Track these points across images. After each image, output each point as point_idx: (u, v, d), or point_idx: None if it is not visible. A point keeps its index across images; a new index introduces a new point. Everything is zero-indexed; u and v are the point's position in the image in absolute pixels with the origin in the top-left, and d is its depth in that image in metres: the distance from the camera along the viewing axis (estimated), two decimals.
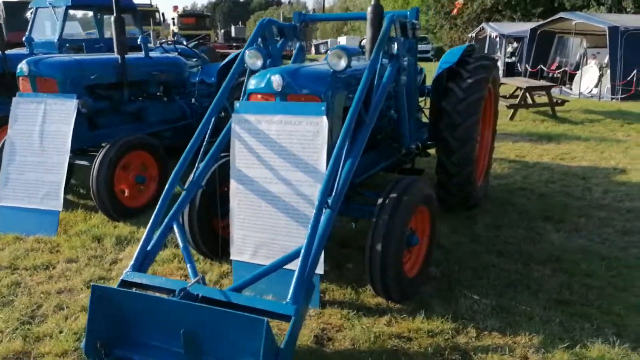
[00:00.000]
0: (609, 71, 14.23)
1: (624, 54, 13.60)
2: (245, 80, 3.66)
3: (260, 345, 2.28)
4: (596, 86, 15.21)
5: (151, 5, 31.19)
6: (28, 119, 4.77)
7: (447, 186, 4.79)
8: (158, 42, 7.74)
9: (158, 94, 5.98)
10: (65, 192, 5.55)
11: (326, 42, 67.25)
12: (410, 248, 3.46)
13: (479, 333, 3.00)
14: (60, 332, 3.03)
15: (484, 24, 24.22)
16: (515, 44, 21.99)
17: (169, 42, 7.04)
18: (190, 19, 33.57)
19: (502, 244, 4.29)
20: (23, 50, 7.64)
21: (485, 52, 23.96)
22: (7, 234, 4.53)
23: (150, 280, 2.91)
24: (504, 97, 12.19)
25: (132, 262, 2.98)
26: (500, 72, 20.86)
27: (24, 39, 7.42)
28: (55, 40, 7.73)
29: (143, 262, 3.02)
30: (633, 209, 5.16)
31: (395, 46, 3.66)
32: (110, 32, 8.84)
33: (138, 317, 2.69)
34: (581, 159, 7.41)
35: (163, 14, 30.94)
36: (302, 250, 2.68)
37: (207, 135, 3.47)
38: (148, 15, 30.02)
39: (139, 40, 5.91)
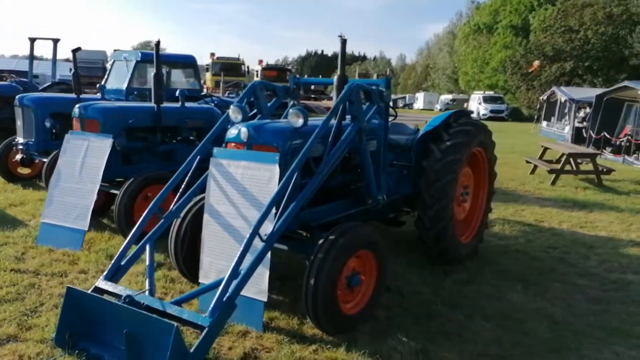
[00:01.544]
0: None
1: None
2: (221, 129, 4.36)
3: (168, 345, 2.80)
4: None
5: (238, 59, 34.02)
6: (74, 153, 5.77)
7: (424, 239, 5.11)
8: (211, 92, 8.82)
9: (191, 138, 6.87)
10: (102, 216, 6.53)
11: (404, 97, 68.53)
12: (352, 288, 3.85)
13: None
14: (47, 325, 3.72)
15: (554, 88, 23.89)
16: (588, 110, 21.44)
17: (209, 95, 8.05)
18: (272, 71, 35.87)
19: (461, 298, 4.51)
20: (97, 96, 9.03)
21: (555, 116, 23.52)
22: (43, 245, 5.44)
23: (115, 289, 3.54)
24: (550, 161, 12.08)
25: (105, 273, 3.66)
26: (569, 137, 20.44)
27: (97, 86, 8.80)
28: (124, 88, 9.05)
29: (115, 274, 3.69)
30: (618, 280, 5.13)
31: (356, 109, 4.17)
32: (177, 84, 10.15)
33: (97, 317, 3.33)
34: (602, 229, 7.29)
35: (248, 67, 33.39)
36: (227, 274, 3.20)
37: (189, 171, 4.15)
38: (235, 67, 32.77)
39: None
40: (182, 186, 4.18)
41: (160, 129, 6.34)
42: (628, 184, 11.26)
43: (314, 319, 3.61)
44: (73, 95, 8.36)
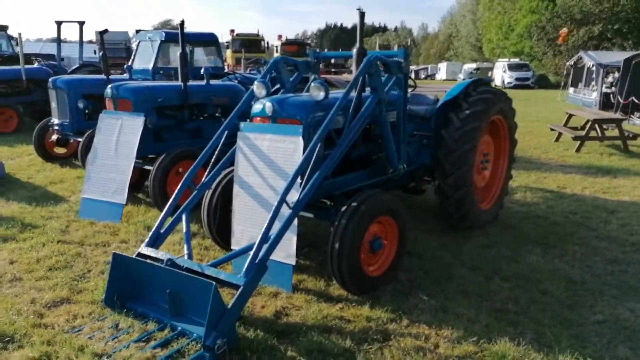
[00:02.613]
0: None
1: None
2: (247, 104, 4.58)
3: (208, 302, 3.09)
4: None
5: (257, 35, 34.00)
6: (108, 131, 6.09)
7: (444, 206, 5.29)
8: (234, 69, 9.03)
9: (216, 114, 7.12)
10: (138, 191, 6.88)
11: (426, 68, 67.38)
12: (375, 251, 4.08)
13: (409, 324, 3.55)
14: (95, 289, 4.07)
15: (582, 53, 23.26)
16: (617, 74, 20.88)
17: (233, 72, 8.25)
18: (292, 46, 35.76)
19: (480, 260, 4.70)
20: (125, 76, 9.33)
21: (583, 82, 22.98)
22: (85, 219, 5.82)
23: (157, 254, 3.85)
24: (575, 128, 11.98)
25: (146, 240, 3.97)
26: (596, 104, 20.01)
27: (125, 66, 9.08)
28: (150, 69, 9.32)
29: (155, 241, 4.00)
30: (638, 242, 5.23)
31: (375, 81, 4.32)
32: (199, 62, 10.37)
33: (142, 279, 3.65)
34: (625, 194, 7.33)
35: (268, 42, 33.39)
36: (259, 238, 3.46)
37: (218, 146, 4.40)
38: (255, 43, 32.80)
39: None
40: (212, 160, 4.42)
41: (188, 106, 6.60)
42: None
43: (339, 280, 3.87)
44: (103, 77, 8.68)
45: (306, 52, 36.27)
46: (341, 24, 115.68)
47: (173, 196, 4.19)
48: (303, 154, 3.87)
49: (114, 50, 25.39)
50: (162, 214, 4.09)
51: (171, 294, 3.42)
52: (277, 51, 35.84)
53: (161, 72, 9.57)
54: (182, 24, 6.30)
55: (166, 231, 4.09)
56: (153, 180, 5.82)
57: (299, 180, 3.82)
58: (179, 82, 6.56)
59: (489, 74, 45.39)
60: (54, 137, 8.84)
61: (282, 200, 3.60)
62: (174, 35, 9.49)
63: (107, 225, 5.63)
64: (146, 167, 6.41)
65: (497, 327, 3.50)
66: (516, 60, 41.93)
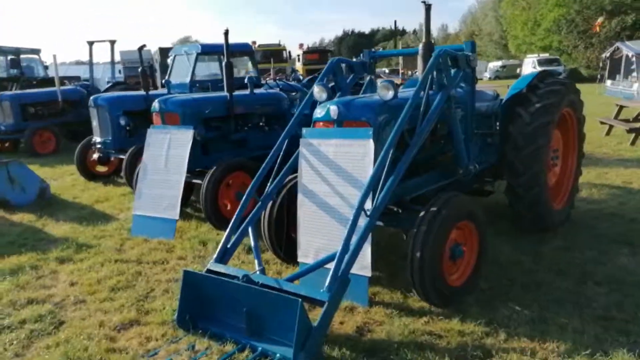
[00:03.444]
0: None
1: None
2: (307, 108, 4.36)
3: (295, 320, 2.85)
4: None
5: (279, 45, 34.10)
6: (157, 146, 5.96)
7: (516, 207, 4.95)
8: (264, 80, 8.87)
9: (261, 124, 6.95)
10: (185, 206, 6.73)
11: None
12: (455, 259, 3.79)
13: (508, 337, 3.24)
14: (163, 308, 3.89)
15: (619, 44, 22.48)
16: None
17: (275, 80, 8.07)
18: (314, 54, 35.69)
19: (565, 264, 4.35)
20: (163, 91, 9.28)
21: (621, 74, 22.19)
22: (138, 236, 5.68)
23: (227, 270, 3.64)
24: (627, 120, 11.42)
25: (215, 256, 3.77)
26: (637, 95, 19.23)
27: (163, 81, 9.02)
28: (188, 82, 9.23)
29: (223, 256, 3.80)
30: None
31: (445, 77, 4.05)
32: (236, 72, 10.26)
33: (215, 297, 3.44)
34: None
35: (289, 52, 33.44)
36: (339, 250, 3.22)
37: (279, 156, 4.19)
38: (277, 53, 32.87)
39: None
40: (275, 169, 4.21)
41: (234, 116, 6.43)
42: None
43: (421, 292, 3.58)
44: (142, 93, 8.63)
45: (327, 59, 36.49)
46: (358, 30, 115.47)
47: (239, 209, 3.99)
48: (374, 158, 3.62)
49: (135, 69, 25.64)
50: (229, 228, 3.89)
51: (249, 312, 3.20)
52: (299, 60, 35.89)
53: (197, 85, 9.46)
54: (226, 33, 6.15)
55: (233, 245, 3.88)
56: (205, 194, 5.64)
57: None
58: (224, 93, 6.40)
59: (518, 70, 44.56)
60: (95, 155, 8.82)
61: (361, 207, 3.34)
62: (209, 47, 9.42)
63: (162, 242, 5.48)
64: (195, 180, 6.26)
65: (608, 337, 3.16)
66: (546, 55, 40.88)
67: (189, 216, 6.38)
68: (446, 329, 3.36)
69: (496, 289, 3.93)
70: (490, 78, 49.79)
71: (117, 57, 19.83)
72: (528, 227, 5.06)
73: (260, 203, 4.12)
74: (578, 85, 5.64)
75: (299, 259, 4.06)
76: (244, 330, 3.23)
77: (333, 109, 3.93)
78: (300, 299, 2.89)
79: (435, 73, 4.01)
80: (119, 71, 20.56)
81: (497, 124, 5.15)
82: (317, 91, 4.27)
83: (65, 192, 8.25)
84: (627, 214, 5.73)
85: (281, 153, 4.23)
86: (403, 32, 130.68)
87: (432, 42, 4.15)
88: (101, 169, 9.16)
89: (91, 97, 8.46)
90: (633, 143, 10.23)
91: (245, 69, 10.31)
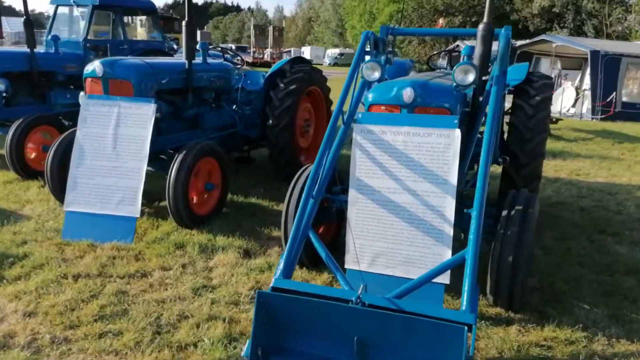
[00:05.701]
0: (587, 92, 15.10)
1: (603, 77, 14.47)
2: (360, 91, 3.74)
3: (461, 354, 2.34)
4: (573, 106, 16.11)
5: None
6: (99, 122, 4.62)
7: None
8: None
9: (210, 100, 5.91)
10: None
11: (289, 51, 67.51)
12: None
13: (609, 340, 3.16)
14: (198, 341, 2.97)
15: (459, 42, 25.06)
16: None
17: (215, 48, 6.93)
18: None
19: (577, 256, 4.51)
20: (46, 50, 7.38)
21: None
22: (79, 240, 4.35)
23: (301, 287, 2.90)
24: None
25: (280, 270, 2.99)
26: None
27: (49, 37, 7.16)
28: (81, 40, 7.47)
29: (290, 269, 3.03)
30: None
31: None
32: (133, 35, 8.64)
33: (304, 324, 2.69)
34: (595, 176, 7.82)
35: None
36: (469, 259, 2.76)
37: (332, 148, 3.51)
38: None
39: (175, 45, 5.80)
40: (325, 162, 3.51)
41: (192, 89, 5.30)
42: (567, 131, 12.26)
43: (507, 298, 3.33)
44: (25, 49, 6.73)
45: (174, 29, 33.64)
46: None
47: (299, 211, 3.20)
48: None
49: None
50: (292, 237, 3.10)
51: (362, 341, 2.56)
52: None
53: (88, 45, 7.72)
54: None
55: (295, 255, 3.11)
56: (174, 186, 4.53)
57: (453, 183, 3.19)
58: (181, 60, 5.23)
59: None
60: None
61: (479, 211, 2.91)
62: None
63: (119, 247, 4.28)
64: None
65: None
66: None
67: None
68: (549, 338, 3.15)
69: (546, 287, 3.87)
70: (329, 64, 51.86)
71: None
72: None
73: (312, 201, 3.38)
74: None
75: (347, 265, 3.47)
76: None
77: (407, 93, 3.38)
78: (465, 327, 2.38)
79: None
80: None
81: None
82: (368, 69, 3.66)
83: None
84: (572, 202, 6.24)
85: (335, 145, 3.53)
86: (238, 9, 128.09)
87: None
88: None
89: None
90: None
91: (147, 31, 8.77)
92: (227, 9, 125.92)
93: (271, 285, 2.91)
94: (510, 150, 4.82)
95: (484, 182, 3.02)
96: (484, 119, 3.73)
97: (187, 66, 5.15)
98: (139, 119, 4.56)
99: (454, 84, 3.51)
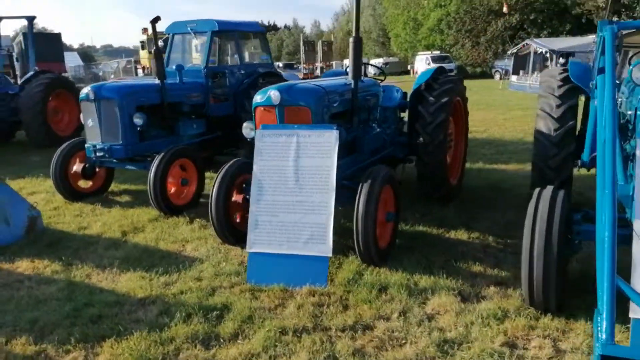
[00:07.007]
0: None
1: None
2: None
3: None
4: None
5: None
6: (277, 153, 4.24)
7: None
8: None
9: (365, 121, 5.49)
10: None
11: (331, 65, 67.22)
12: None
13: None
14: None
15: (528, 41, 24.07)
16: (561, 60, 21.86)
17: None
18: None
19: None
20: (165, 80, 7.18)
21: (530, 68, 23.83)
22: (268, 285, 3.95)
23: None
24: None
25: (605, 334, 2.40)
26: None
27: (174, 67, 6.95)
28: (202, 68, 7.23)
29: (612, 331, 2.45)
30: None
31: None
32: (248, 58, 8.38)
33: None
34: None
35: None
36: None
37: None
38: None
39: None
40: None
41: (356, 109, 4.86)
42: None
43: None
44: (155, 82, 6.54)
45: None
46: None
47: (607, 255, 2.62)
48: None
49: None
50: (608, 288, 2.52)
51: None
52: (143, 47, 34.06)
53: (206, 71, 7.48)
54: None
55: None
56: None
57: None
58: (341, 80, 4.81)
59: (409, 67, 46.56)
60: (77, 166, 6.53)
61: None
62: (226, 25, 7.52)
63: (312, 291, 3.84)
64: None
65: None
66: (437, 52, 43.06)
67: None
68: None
69: None
70: (375, 74, 51.34)
71: None
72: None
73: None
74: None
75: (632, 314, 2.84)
76: None
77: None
78: None
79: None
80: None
81: None
82: None
83: (56, 219, 5.90)
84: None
85: None
86: (275, 27, 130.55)
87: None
88: (84, 184, 6.80)
89: (90, 88, 6.09)
90: None
91: (257, 53, 8.52)
92: (265, 29, 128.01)
93: (599, 353, 2.34)
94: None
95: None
96: None
97: (352, 86, 4.72)
98: (321, 148, 4.15)
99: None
